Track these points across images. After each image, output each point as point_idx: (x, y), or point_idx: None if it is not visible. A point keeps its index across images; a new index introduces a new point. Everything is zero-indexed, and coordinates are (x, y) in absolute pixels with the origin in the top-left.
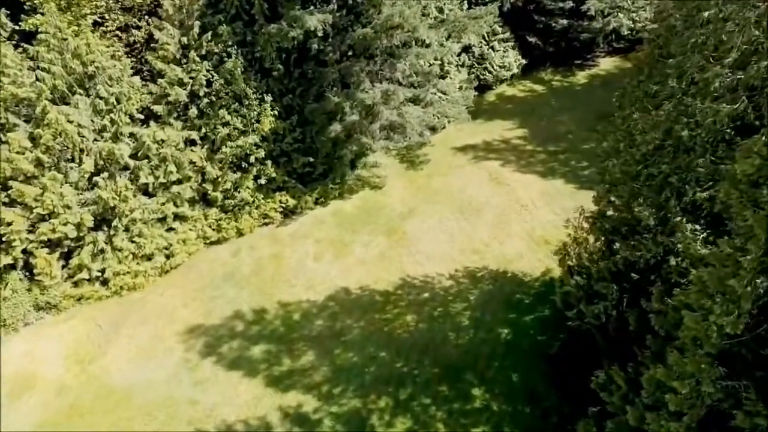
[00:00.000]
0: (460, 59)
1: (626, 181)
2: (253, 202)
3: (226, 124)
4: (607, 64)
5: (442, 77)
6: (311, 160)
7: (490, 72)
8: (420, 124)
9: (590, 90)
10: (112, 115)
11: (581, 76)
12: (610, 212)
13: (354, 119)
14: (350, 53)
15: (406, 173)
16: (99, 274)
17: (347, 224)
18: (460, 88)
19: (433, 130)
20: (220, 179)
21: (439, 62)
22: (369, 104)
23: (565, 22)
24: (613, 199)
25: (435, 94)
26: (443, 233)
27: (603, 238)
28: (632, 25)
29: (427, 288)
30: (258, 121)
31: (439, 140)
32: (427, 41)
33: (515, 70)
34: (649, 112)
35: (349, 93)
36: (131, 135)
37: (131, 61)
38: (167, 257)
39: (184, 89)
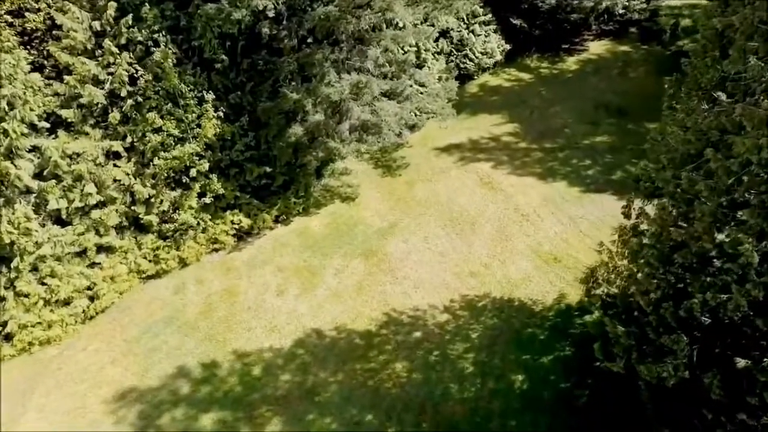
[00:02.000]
0: (438, 45)
1: (709, 199)
2: (198, 224)
3: (157, 130)
4: (597, 48)
5: (419, 67)
6: (268, 170)
7: (471, 60)
8: (397, 123)
9: (582, 77)
10: (3, 124)
11: (571, 62)
12: (667, 235)
13: (318, 119)
14: (310, 39)
15: (382, 180)
16: (0, 328)
17: (315, 246)
18: (439, 78)
19: (412, 128)
20: (154, 199)
21: (415, 49)
22: (336, 100)
23: (553, 1)
24: (681, 223)
25: (412, 86)
26: (432, 253)
27: (661, 271)
28: (626, 3)
29: (418, 325)
30: (199, 126)
31: (418, 140)
32: (401, 23)
33: (498, 57)
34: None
35: (311, 87)
36: (33, 149)
37: (29, 55)
38: (91, 300)
39: (101, 88)
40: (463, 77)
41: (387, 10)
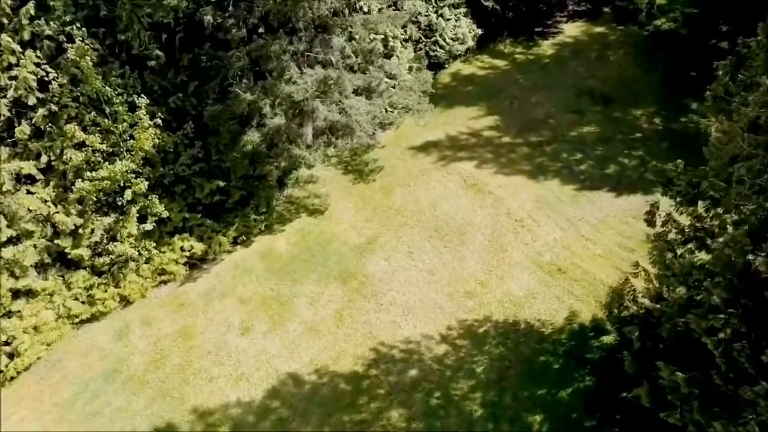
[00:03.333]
0: (406, 32)
1: None
2: (141, 254)
3: (80, 145)
4: (571, 30)
5: (387, 56)
6: (221, 184)
7: (441, 47)
8: (370, 122)
9: (561, 62)
10: None
11: (546, 46)
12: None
13: (278, 123)
14: (263, 28)
15: (354, 188)
16: None
17: (283, 271)
18: (410, 69)
19: (384, 127)
20: (82, 229)
21: (382, 37)
22: (299, 100)
23: None
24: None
25: (383, 79)
26: (420, 271)
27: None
28: None
29: (413, 361)
30: (132, 137)
31: (390, 139)
32: (366, 7)
33: (470, 43)
34: None
35: (268, 85)
36: None
37: None
38: (10, 357)
39: (2, 96)
40: (434, 66)
41: None
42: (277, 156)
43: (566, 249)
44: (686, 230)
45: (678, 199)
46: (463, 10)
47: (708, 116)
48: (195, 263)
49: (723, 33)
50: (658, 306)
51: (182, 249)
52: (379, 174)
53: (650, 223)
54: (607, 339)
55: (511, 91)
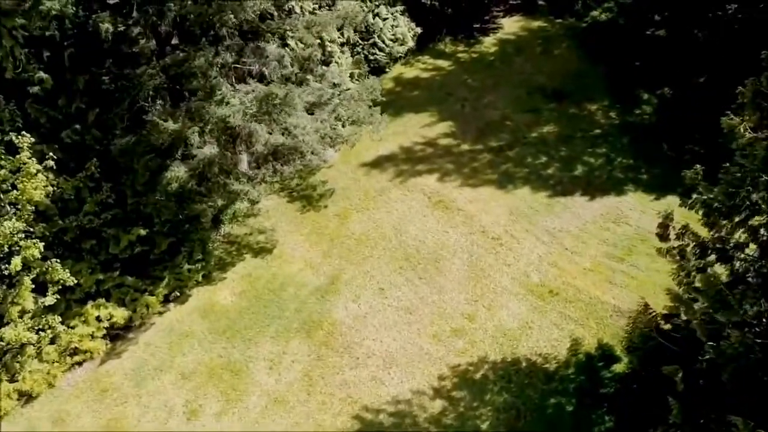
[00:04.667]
0: (342, 35)
1: None
2: (42, 335)
3: None
4: (510, 25)
5: (325, 63)
6: (143, 232)
7: (381, 50)
8: (320, 141)
9: (506, 59)
10: None
11: (489, 43)
12: None
13: (209, 153)
14: (178, 38)
15: (304, 217)
16: None
17: (232, 330)
18: (351, 76)
19: (336, 144)
20: None
21: (318, 41)
22: (236, 124)
23: None
24: None
25: (335, 94)
26: (396, 311)
27: None
28: None
29: (406, 425)
30: (15, 187)
31: (337, 156)
32: (297, 8)
33: (411, 44)
34: None
35: (194, 108)
36: None
37: None
38: None
39: None
40: (374, 71)
41: None
42: (211, 192)
43: (553, 266)
44: (707, 243)
45: (707, 211)
46: (399, 8)
47: (742, 115)
48: (118, 334)
49: (659, 22)
50: (710, 344)
51: (99, 319)
52: (330, 198)
53: (663, 237)
54: (619, 367)
55: (460, 93)
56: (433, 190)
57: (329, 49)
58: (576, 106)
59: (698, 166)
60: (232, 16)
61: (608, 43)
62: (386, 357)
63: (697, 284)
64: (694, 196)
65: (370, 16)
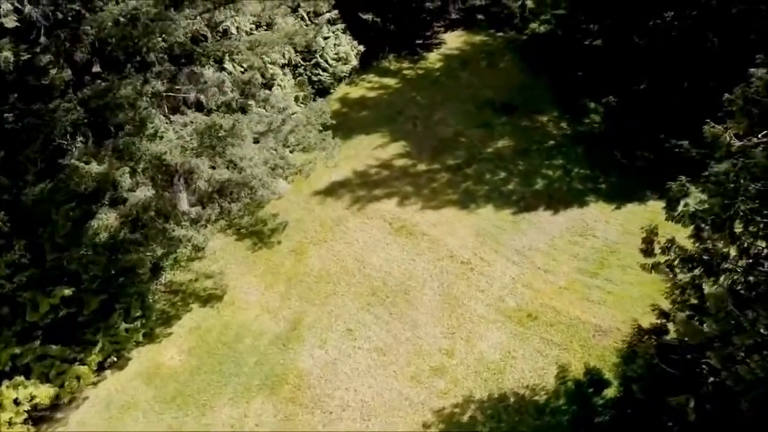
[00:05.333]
0: (284, 56)
1: None
2: None
3: None
4: (453, 40)
5: (268, 87)
6: (68, 293)
7: (324, 70)
8: (269, 173)
9: (452, 75)
10: None
11: (433, 59)
12: None
13: (143, 196)
14: (98, 65)
15: (255, 256)
16: None
17: (183, 395)
18: (297, 99)
19: (288, 176)
20: None
21: (260, 64)
22: (174, 162)
23: None
24: None
25: (285, 120)
26: (368, 353)
27: None
28: None
29: None
30: None
31: (288, 185)
32: (233, 28)
33: (354, 62)
34: None
35: (122, 145)
36: None
37: None
38: None
39: None
40: (319, 92)
41: (227, 4)
42: (148, 240)
43: (528, 288)
44: (695, 256)
45: (701, 224)
46: (340, 26)
47: (726, 124)
48: (43, 416)
49: (595, 32)
50: (730, 373)
51: (17, 402)
52: (284, 233)
53: (648, 252)
54: (610, 392)
55: (410, 111)
56: (394, 216)
57: (270, 71)
58: (527, 118)
59: (683, 177)
60: (161, 39)
61: (549, 54)
62: (363, 408)
63: (693, 301)
64: (681, 208)
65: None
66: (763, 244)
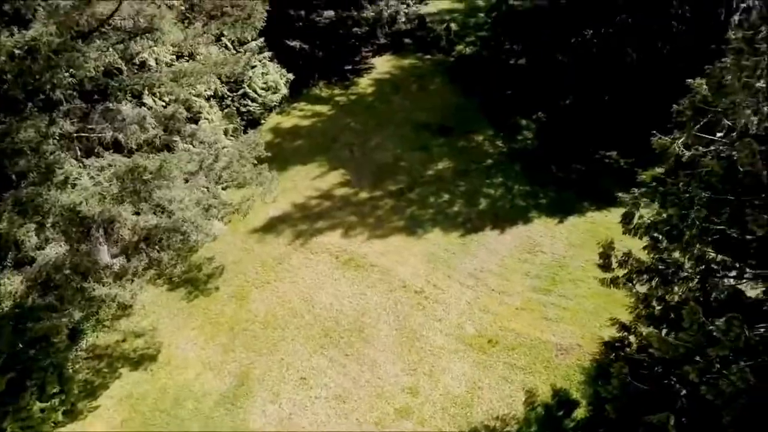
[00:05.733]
0: (210, 88)
1: None
2: None
3: None
4: (382, 64)
5: (194, 121)
6: None
7: (253, 100)
8: (203, 215)
9: (384, 99)
10: None
11: (365, 84)
12: None
13: (55, 254)
14: None
15: (192, 306)
16: None
17: None
18: (226, 132)
19: (224, 216)
20: None
21: (184, 97)
22: (91, 214)
23: (331, 14)
24: None
25: (204, 153)
26: (327, 401)
27: None
28: (407, 11)
29: None
30: None
31: (220, 224)
32: (151, 60)
33: (284, 91)
34: None
35: (25, 196)
36: None
37: None
38: None
39: None
40: (249, 123)
41: (144, 33)
42: (63, 303)
43: (485, 312)
44: (651, 267)
45: (656, 236)
46: (267, 54)
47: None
48: None
49: (519, 52)
50: (709, 386)
51: None
52: (221, 278)
53: (606, 266)
54: (580, 413)
55: (345, 137)
56: (340, 248)
57: (195, 104)
58: (463, 139)
59: (635, 190)
60: (67, 73)
61: (478, 75)
62: None
63: (657, 313)
64: (636, 220)
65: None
66: (716, 254)
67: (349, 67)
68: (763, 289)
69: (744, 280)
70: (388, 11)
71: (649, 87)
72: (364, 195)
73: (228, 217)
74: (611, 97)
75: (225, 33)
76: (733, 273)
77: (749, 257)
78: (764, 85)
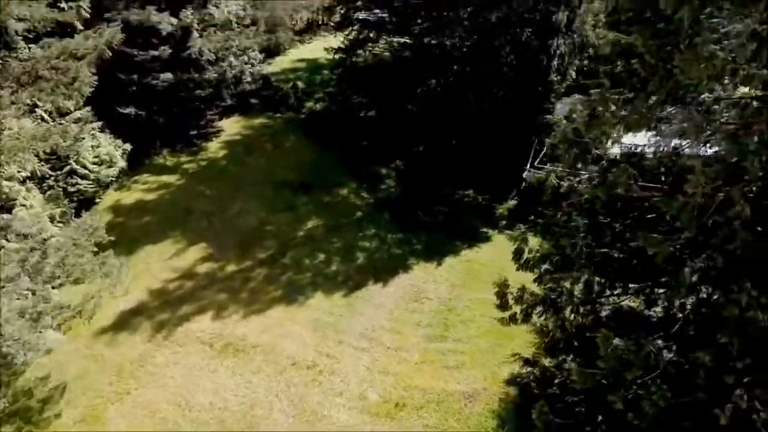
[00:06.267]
0: (25, 168)
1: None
2: None
3: None
4: (231, 127)
5: (6, 210)
6: None
7: (83, 177)
8: (31, 327)
9: (239, 161)
10: None
11: (214, 148)
12: None
13: None
14: None
15: None
16: None
17: None
18: (52, 218)
19: (62, 324)
20: None
21: None
22: None
23: (169, 76)
24: None
25: (27, 250)
26: None
27: None
28: (252, 71)
29: None
30: None
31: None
32: None
33: (122, 164)
34: None
35: None
36: None
37: None
38: None
39: None
40: (81, 204)
41: None
42: None
43: (385, 374)
44: (544, 298)
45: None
46: (96, 124)
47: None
48: None
49: (366, 105)
50: (633, 410)
51: None
52: (63, 399)
53: (503, 305)
54: None
55: (201, 207)
56: (213, 334)
57: (7, 188)
58: (327, 194)
59: (521, 225)
60: None
61: (332, 129)
62: None
63: (561, 344)
64: (526, 255)
65: (57, 136)
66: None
67: (195, 131)
68: (643, 299)
69: (627, 297)
70: (233, 72)
71: (491, 127)
72: (231, 268)
73: (68, 323)
74: (459, 141)
75: (40, 102)
76: (618, 291)
77: (630, 275)
78: (626, 114)
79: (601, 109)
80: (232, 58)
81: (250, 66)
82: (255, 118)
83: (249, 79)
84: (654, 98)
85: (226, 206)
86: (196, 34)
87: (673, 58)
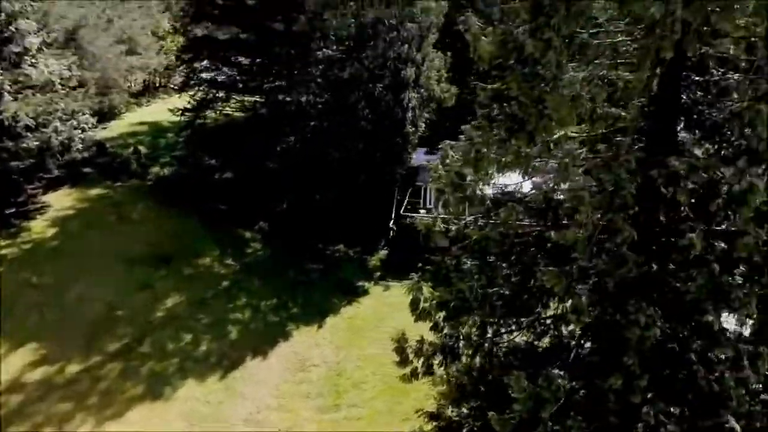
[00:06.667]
0: None
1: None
2: None
3: None
4: (60, 201)
5: None
6: None
7: None
8: None
9: (76, 238)
10: None
11: (41, 227)
12: None
13: None
14: None
15: None
16: None
17: None
18: None
19: None
20: None
21: None
22: None
23: None
24: None
25: None
26: None
27: None
28: (82, 137)
29: None
30: None
31: None
32: None
33: None
34: None
35: None
36: None
37: None
38: None
39: None
40: None
41: None
42: None
43: None
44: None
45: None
46: None
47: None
48: None
49: (220, 166)
50: None
51: None
52: None
53: (404, 360)
54: None
55: (28, 298)
56: None
57: None
58: (188, 265)
59: (414, 275)
60: None
61: (186, 194)
62: None
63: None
64: (422, 304)
65: None
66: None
67: (13, 210)
68: (532, 332)
69: (519, 332)
70: (59, 138)
71: (353, 180)
72: (74, 368)
73: None
74: (323, 195)
75: None
76: (512, 327)
77: (519, 310)
78: (503, 154)
79: (484, 150)
80: (57, 123)
81: (80, 131)
82: (90, 188)
83: (80, 146)
84: (530, 138)
85: (61, 294)
86: (8, 97)
87: (545, 100)
